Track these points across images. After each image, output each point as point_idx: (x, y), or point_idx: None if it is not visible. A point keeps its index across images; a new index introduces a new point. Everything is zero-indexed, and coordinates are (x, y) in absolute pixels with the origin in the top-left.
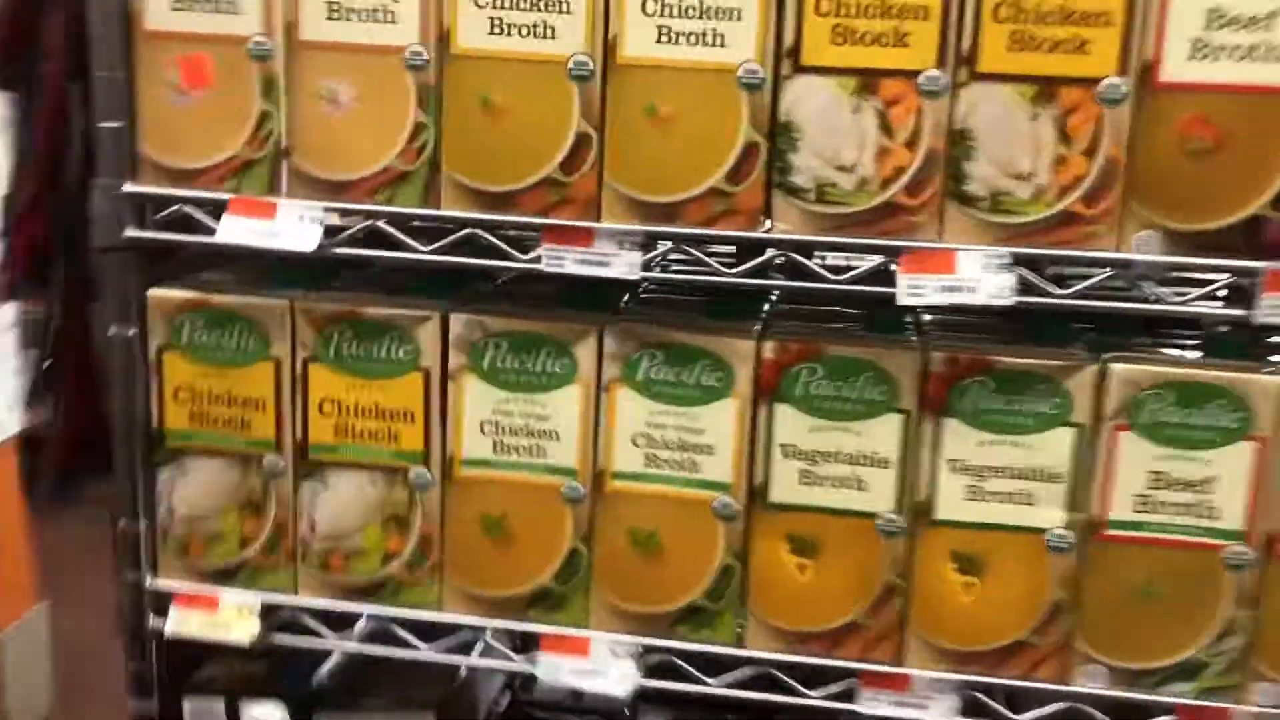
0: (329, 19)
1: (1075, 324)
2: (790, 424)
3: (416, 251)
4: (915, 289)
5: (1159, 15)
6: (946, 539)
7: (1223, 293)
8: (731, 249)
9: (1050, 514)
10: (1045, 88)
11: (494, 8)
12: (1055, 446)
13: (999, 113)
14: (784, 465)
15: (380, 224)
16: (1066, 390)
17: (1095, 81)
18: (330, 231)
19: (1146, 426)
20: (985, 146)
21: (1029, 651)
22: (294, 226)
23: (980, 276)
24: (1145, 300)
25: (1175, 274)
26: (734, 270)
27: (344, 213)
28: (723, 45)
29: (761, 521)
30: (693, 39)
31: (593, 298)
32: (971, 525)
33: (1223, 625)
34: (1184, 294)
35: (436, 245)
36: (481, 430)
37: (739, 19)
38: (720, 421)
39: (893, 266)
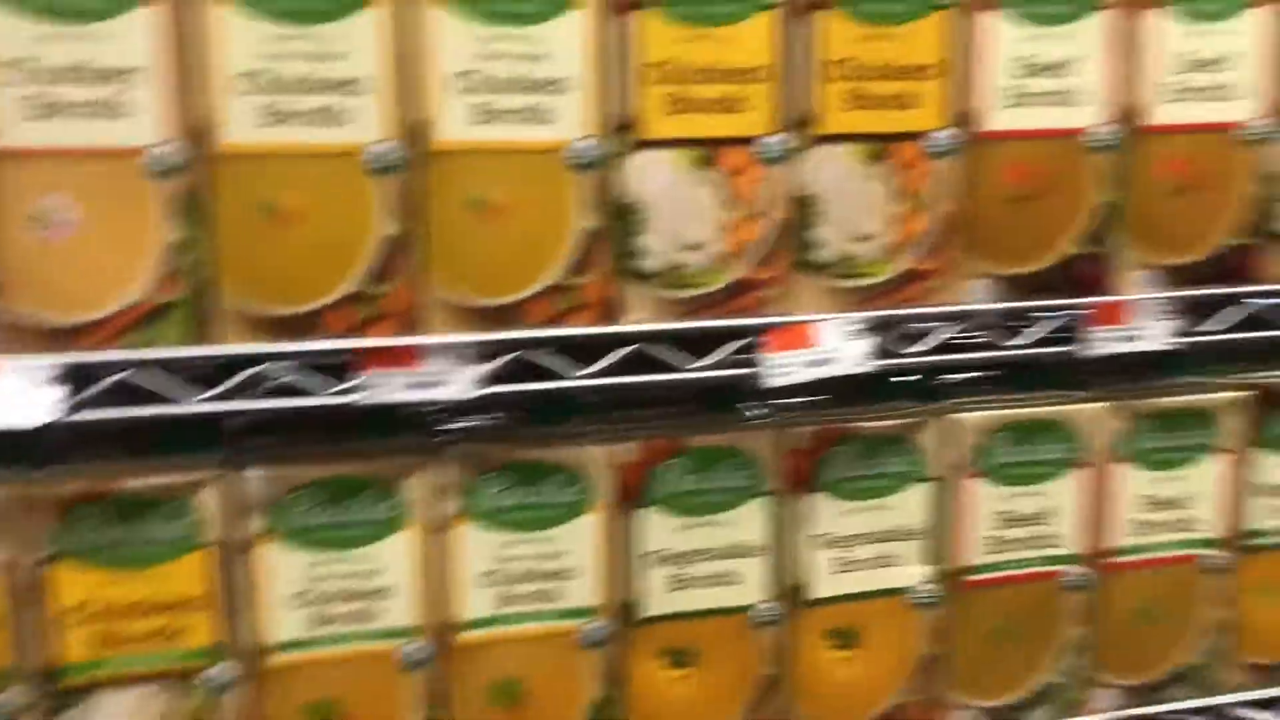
0: (32, 118)
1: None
2: (658, 528)
3: (188, 403)
4: (782, 367)
5: (977, 66)
6: (821, 618)
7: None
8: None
9: (914, 571)
10: (881, 145)
11: (268, 92)
12: (913, 504)
13: (840, 175)
14: (654, 574)
15: (134, 374)
16: (919, 446)
17: (925, 135)
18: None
19: (993, 469)
20: (830, 211)
21: (904, 711)
22: (13, 393)
23: (841, 346)
24: (987, 348)
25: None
26: (586, 372)
27: (82, 366)
28: (550, 122)
29: (635, 640)
30: (515, 117)
31: (381, 422)
32: (844, 598)
33: (1069, 645)
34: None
35: (217, 391)
36: (294, 604)
37: (566, 91)
38: (582, 540)
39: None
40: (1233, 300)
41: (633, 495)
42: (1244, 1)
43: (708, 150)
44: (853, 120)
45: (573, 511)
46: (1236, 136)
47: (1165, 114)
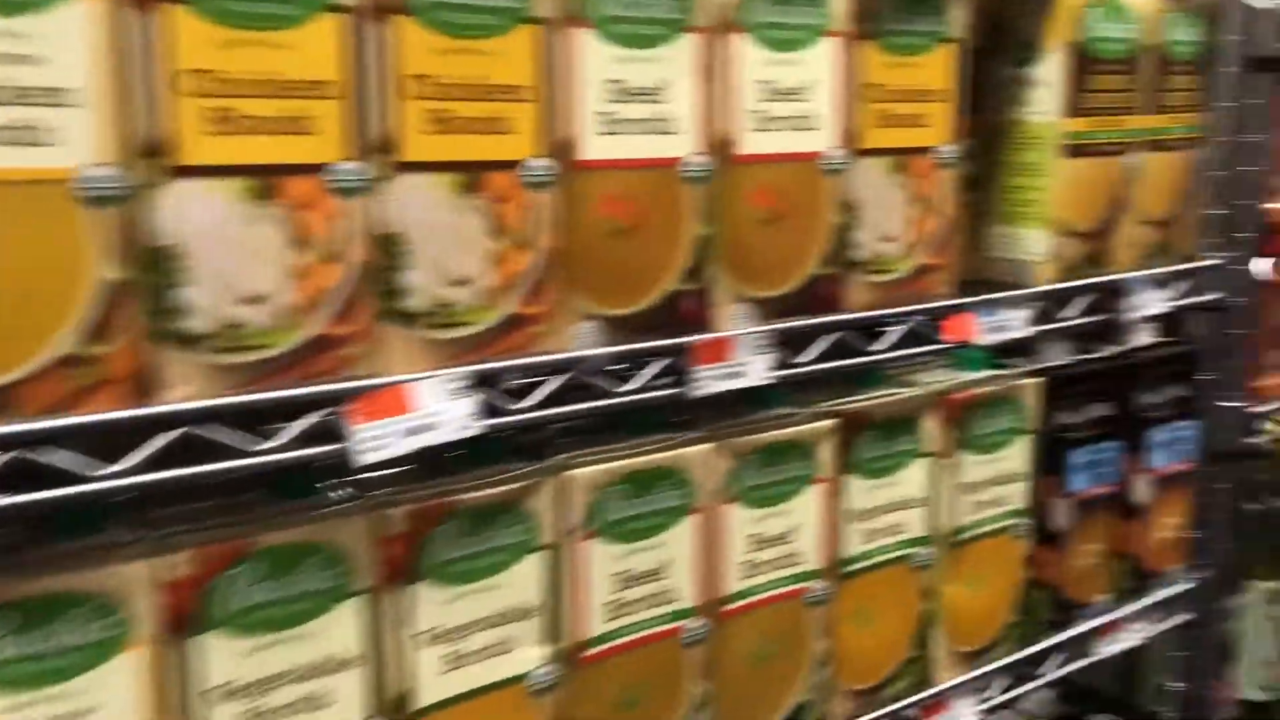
0: None
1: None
2: (221, 655)
3: None
4: (375, 440)
5: (570, 89)
6: None
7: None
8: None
9: (531, 654)
10: (473, 175)
11: None
12: (527, 578)
13: (428, 209)
14: (218, 715)
15: None
16: (531, 512)
17: (519, 164)
18: None
19: (608, 527)
20: (420, 251)
21: None
22: None
23: (442, 408)
24: (597, 396)
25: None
26: (115, 469)
27: None
28: (49, 144)
29: None
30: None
31: None
32: (456, 700)
33: (692, 703)
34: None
35: None
36: None
37: (71, 104)
38: (116, 687)
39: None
40: (824, 330)
41: (185, 621)
42: (818, 30)
43: (266, 179)
44: (438, 146)
45: (103, 652)
46: (818, 166)
47: (753, 143)
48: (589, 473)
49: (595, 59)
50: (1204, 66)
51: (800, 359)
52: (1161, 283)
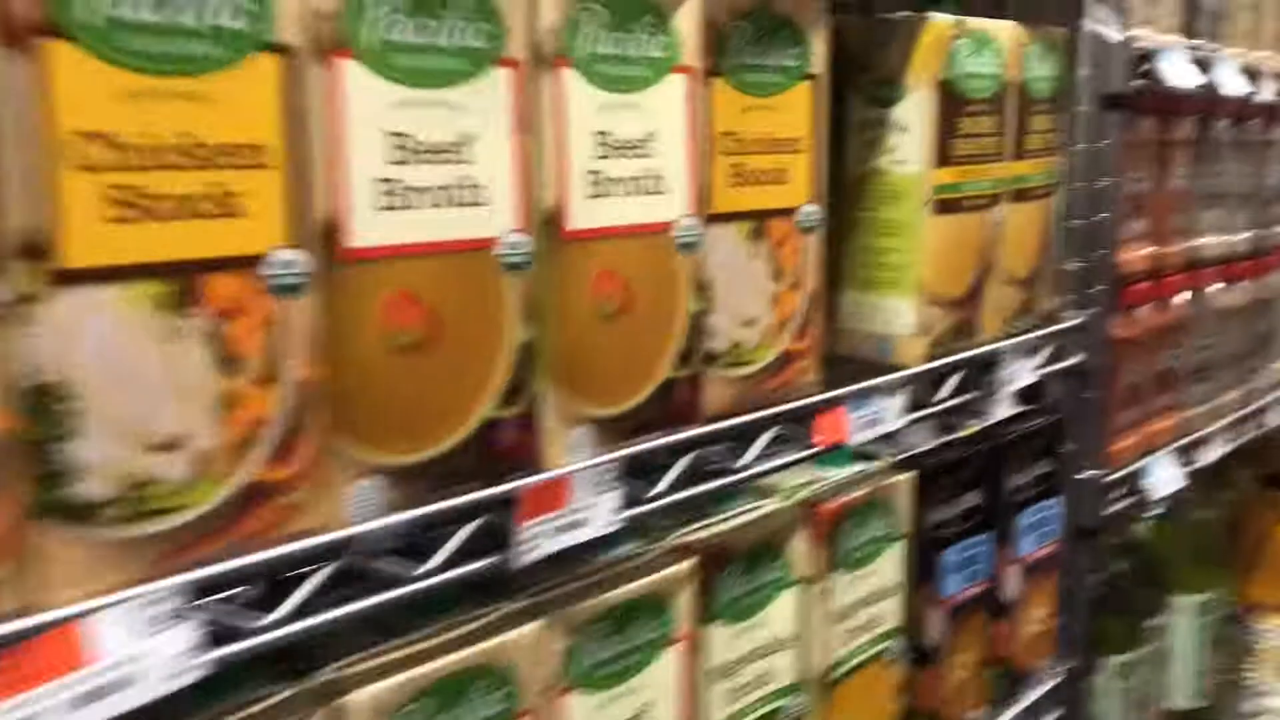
0: None
1: None
2: None
3: None
4: (31, 714)
5: (334, 146)
6: None
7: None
8: None
9: None
10: (183, 282)
11: None
12: None
13: (113, 340)
14: None
15: None
16: None
17: (256, 261)
18: None
19: None
20: (100, 406)
21: None
22: None
23: (140, 648)
24: (390, 584)
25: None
26: None
27: None
28: None
29: None
30: None
31: None
32: None
33: None
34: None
35: None
36: None
37: None
38: None
39: None
40: (682, 449)
41: None
42: (664, 64)
43: None
44: (125, 241)
45: None
46: (669, 239)
47: (588, 214)
48: (374, 693)
49: (369, 103)
50: (1060, 106)
51: (653, 490)
52: (1031, 350)
